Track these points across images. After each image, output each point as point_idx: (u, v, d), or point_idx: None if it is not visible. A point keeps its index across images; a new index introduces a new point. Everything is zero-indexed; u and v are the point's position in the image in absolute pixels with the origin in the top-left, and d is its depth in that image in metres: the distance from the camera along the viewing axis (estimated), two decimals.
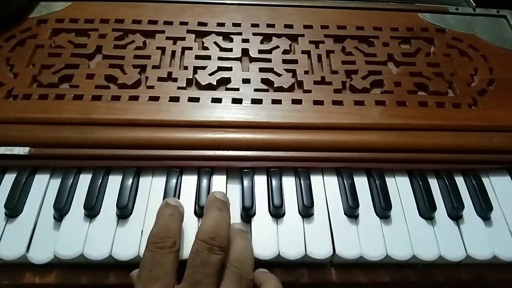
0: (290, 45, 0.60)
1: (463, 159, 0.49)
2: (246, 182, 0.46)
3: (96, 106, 0.51)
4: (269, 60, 0.58)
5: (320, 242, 0.43)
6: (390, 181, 0.48)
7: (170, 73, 0.55)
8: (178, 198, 0.45)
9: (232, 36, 0.61)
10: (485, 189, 0.48)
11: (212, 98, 0.52)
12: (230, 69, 0.56)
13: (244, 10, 0.65)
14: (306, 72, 0.56)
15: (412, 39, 0.62)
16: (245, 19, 0.63)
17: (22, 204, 0.44)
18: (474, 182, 0.48)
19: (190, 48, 0.59)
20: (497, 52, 0.61)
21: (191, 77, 0.55)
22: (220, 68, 0.56)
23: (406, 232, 0.44)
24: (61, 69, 0.55)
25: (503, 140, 0.50)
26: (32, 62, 0.56)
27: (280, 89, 0.55)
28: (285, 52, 0.59)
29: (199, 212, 0.44)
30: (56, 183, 0.46)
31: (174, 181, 0.46)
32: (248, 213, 0.45)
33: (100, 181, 0.46)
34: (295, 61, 0.58)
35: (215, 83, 0.54)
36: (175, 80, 0.55)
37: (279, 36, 0.61)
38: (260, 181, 0.47)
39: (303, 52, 0.59)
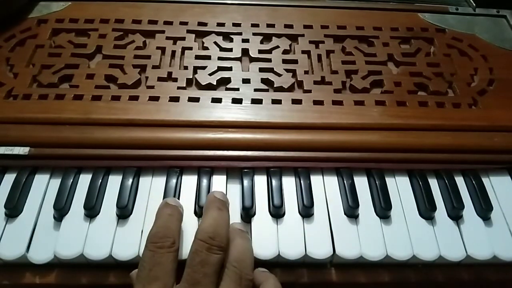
0: (290, 45, 0.60)
1: (463, 159, 0.49)
2: (246, 182, 0.46)
3: (96, 106, 0.51)
4: (269, 60, 0.58)
5: (320, 242, 0.43)
6: (390, 181, 0.48)
7: (170, 73, 0.55)
8: (178, 198, 0.45)
9: (232, 36, 0.61)
10: (485, 189, 0.48)
11: (212, 98, 0.52)
12: (230, 69, 0.56)
13: (244, 10, 0.65)
14: (306, 72, 0.56)
15: (412, 39, 0.62)
16: (245, 19, 0.63)
17: (22, 204, 0.45)
18: (474, 182, 0.48)
19: (190, 48, 0.59)
20: (497, 52, 0.61)
21: (191, 77, 0.55)
22: (220, 68, 0.56)
23: (406, 232, 0.44)
24: (61, 69, 0.55)
25: (503, 140, 0.50)
26: (32, 62, 0.56)
27: (280, 89, 0.55)
28: (285, 52, 0.59)
29: (199, 212, 0.44)
30: (56, 183, 0.46)
31: (174, 181, 0.46)
32: (248, 213, 0.45)
33: (100, 181, 0.46)
34: (295, 61, 0.58)
35: (215, 83, 0.54)
36: (175, 80, 0.55)
37: (279, 36, 0.61)
38: (260, 181, 0.47)
39: (303, 52, 0.59)
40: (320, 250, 0.43)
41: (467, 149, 0.50)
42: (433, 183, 0.48)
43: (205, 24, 0.62)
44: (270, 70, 0.56)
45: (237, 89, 0.54)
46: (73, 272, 0.42)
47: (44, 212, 0.44)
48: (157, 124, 0.49)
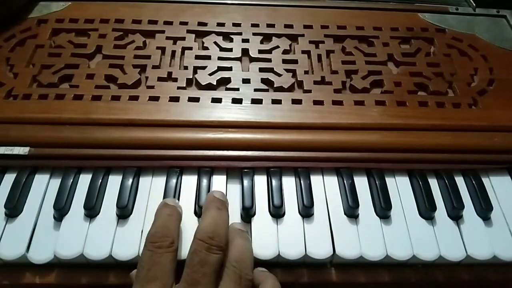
0: (290, 45, 0.60)
1: (463, 159, 0.49)
2: (246, 182, 0.46)
3: (96, 106, 0.51)
4: (269, 60, 0.58)
5: (320, 242, 0.43)
6: (390, 181, 0.48)
7: (170, 73, 0.55)
8: (178, 198, 0.46)
9: (232, 36, 0.61)
10: (485, 189, 0.48)
11: (212, 98, 0.52)
12: (230, 69, 0.56)
13: (244, 10, 0.65)
14: (306, 72, 0.56)
15: (412, 39, 0.62)
16: (245, 19, 0.63)
17: (22, 204, 0.44)
18: (474, 182, 0.48)
19: (190, 48, 0.59)
20: (497, 52, 0.61)
21: (191, 77, 0.55)
22: (220, 68, 0.56)
23: (406, 232, 0.44)
24: (61, 69, 0.55)
25: (503, 140, 0.50)
26: (32, 62, 0.56)
27: (280, 89, 0.55)
28: (285, 52, 0.59)
29: (199, 212, 0.44)
30: (56, 183, 0.46)
31: (174, 181, 0.46)
32: (248, 213, 0.45)
33: (100, 181, 0.46)
34: (295, 61, 0.58)
35: (215, 83, 0.54)
36: (175, 80, 0.55)
37: (279, 36, 0.61)
38: (260, 181, 0.47)
39: (303, 52, 0.59)
40: (320, 250, 0.43)
41: (467, 149, 0.50)
42: (433, 183, 0.48)
43: (205, 24, 0.62)
44: (270, 70, 0.56)
45: (237, 89, 0.54)
46: (73, 272, 0.42)
47: (44, 212, 0.44)
48: (157, 124, 0.49)
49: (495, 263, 0.44)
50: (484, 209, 0.46)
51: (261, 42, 0.60)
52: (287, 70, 0.56)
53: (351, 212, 0.45)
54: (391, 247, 0.43)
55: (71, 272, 0.42)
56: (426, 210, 0.45)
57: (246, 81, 0.55)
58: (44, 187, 0.46)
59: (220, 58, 0.57)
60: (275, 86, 0.55)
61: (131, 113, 0.50)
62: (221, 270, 0.38)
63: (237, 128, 0.50)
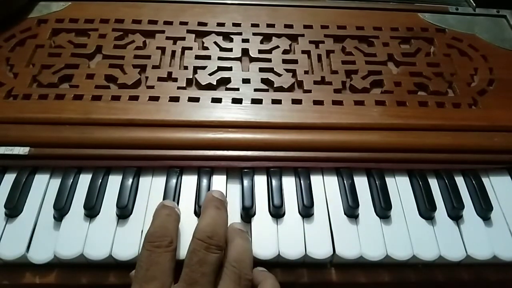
0: (290, 45, 0.60)
1: (463, 159, 0.49)
2: (246, 182, 0.46)
3: (96, 106, 0.51)
4: (269, 60, 0.58)
5: (320, 242, 0.43)
6: (390, 181, 0.48)
7: (170, 73, 0.55)
8: (178, 198, 0.46)
9: (232, 36, 0.61)
10: (485, 189, 0.48)
11: (212, 98, 0.52)
12: (230, 69, 0.56)
13: (244, 10, 0.65)
14: (306, 72, 0.56)
15: (412, 39, 0.62)
16: (245, 19, 0.63)
17: (22, 204, 0.44)
18: (474, 182, 0.48)
19: (190, 48, 0.59)
20: (497, 52, 0.61)
21: (191, 77, 0.55)
22: (220, 68, 0.56)
23: (406, 232, 0.44)
24: (61, 69, 0.55)
25: (503, 140, 0.50)
26: (32, 62, 0.56)
27: (280, 89, 0.55)
28: (285, 52, 0.59)
29: (199, 212, 0.44)
30: (56, 183, 0.46)
31: (174, 181, 0.46)
32: (248, 213, 0.45)
33: (100, 181, 0.46)
34: (295, 61, 0.58)
35: (215, 83, 0.54)
36: (175, 80, 0.55)
37: (279, 36, 0.61)
38: (260, 181, 0.47)
39: (303, 52, 0.59)
40: (320, 250, 0.43)
41: (467, 149, 0.50)
42: (433, 183, 0.48)
43: (205, 24, 0.62)
44: (270, 70, 0.56)
45: (237, 89, 0.54)
46: (73, 272, 0.42)
47: (44, 212, 0.44)
48: (157, 124, 0.49)
49: (495, 263, 0.44)
50: (484, 209, 0.46)
51: (261, 42, 0.60)
52: (287, 70, 0.56)
53: (351, 212, 0.45)
54: (391, 247, 0.43)
55: (71, 272, 0.42)
56: (426, 210, 0.45)
57: (246, 81, 0.55)
58: (44, 187, 0.46)
59: (220, 58, 0.57)
60: (275, 86, 0.55)
61: (131, 113, 0.50)
62: (220, 270, 0.38)
63: (237, 128, 0.50)
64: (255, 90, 0.54)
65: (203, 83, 0.54)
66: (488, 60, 0.60)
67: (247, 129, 0.50)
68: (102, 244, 0.42)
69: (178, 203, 0.45)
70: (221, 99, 0.52)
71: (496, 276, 0.44)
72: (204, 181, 0.46)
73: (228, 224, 0.42)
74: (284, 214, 0.45)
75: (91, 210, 0.44)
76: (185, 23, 0.62)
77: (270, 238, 0.43)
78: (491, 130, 0.51)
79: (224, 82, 0.55)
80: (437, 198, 0.47)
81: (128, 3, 0.64)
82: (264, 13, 0.64)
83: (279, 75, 0.56)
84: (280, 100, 0.53)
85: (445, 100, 0.54)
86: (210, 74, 0.55)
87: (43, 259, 0.41)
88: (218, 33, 0.61)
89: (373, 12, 0.66)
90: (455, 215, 0.46)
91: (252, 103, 0.52)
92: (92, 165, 0.47)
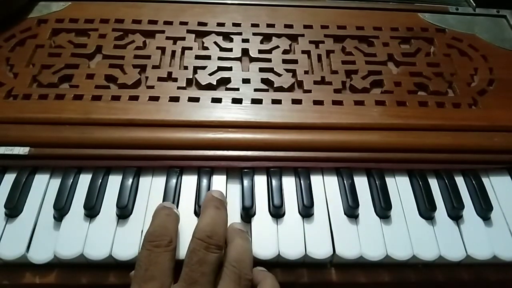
0: (290, 45, 0.60)
1: (463, 159, 0.49)
2: (246, 182, 0.46)
3: (96, 106, 0.51)
4: (269, 60, 0.58)
5: (320, 242, 0.43)
6: (390, 181, 0.48)
7: (170, 73, 0.55)
8: (178, 198, 0.46)
9: (232, 36, 0.61)
10: (485, 189, 0.48)
11: (212, 98, 0.52)
12: (230, 69, 0.56)
13: (244, 10, 0.65)
14: (306, 72, 0.56)
15: (412, 39, 0.62)
16: (245, 19, 0.63)
17: (22, 204, 0.44)
18: (474, 182, 0.48)
19: (190, 48, 0.59)
20: (497, 52, 0.61)
21: (191, 77, 0.55)
22: (220, 68, 0.56)
23: (406, 232, 0.44)
24: (61, 69, 0.55)
25: (503, 140, 0.50)
26: (32, 62, 0.56)
27: (280, 89, 0.55)
28: (285, 52, 0.59)
29: (199, 212, 0.44)
30: (56, 183, 0.46)
31: (174, 181, 0.46)
32: (248, 213, 0.45)
33: (100, 181, 0.46)
34: (295, 61, 0.58)
35: (215, 83, 0.54)
36: (175, 80, 0.55)
37: (279, 36, 0.61)
38: (260, 181, 0.47)
39: (303, 52, 0.59)
40: (320, 250, 0.43)
41: (467, 149, 0.50)
42: (433, 183, 0.48)
43: (205, 24, 0.62)
44: (270, 70, 0.56)
45: (237, 89, 0.54)
46: (73, 272, 0.42)
47: (44, 212, 0.44)
48: (157, 124, 0.49)
49: (495, 263, 0.44)
50: (484, 209, 0.46)
51: (261, 42, 0.60)
52: (287, 70, 0.56)
53: (351, 212, 0.45)
54: (391, 247, 0.43)
55: (71, 272, 0.42)
56: (426, 210, 0.45)
57: (246, 81, 0.55)
58: (44, 187, 0.46)
59: (220, 58, 0.57)
60: (275, 86, 0.55)
61: (131, 113, 0.50)
62: (219, 270, 0.38)
63: (237, 128, 0.50)
64: (255, 90, 0.54)
65: (203, 83, 0.54)
66: (488, 60, 0.60)
67: (247, 129, 0.50)
68: (102, 244, 0.42)
69: (178, 203, 0.45)
70: (221, 99, 0.52)
71: (496, 276, 0.44)
72: (204, 181, 0.46)
73: (228, 224, 0.42)
74: (284, 214, 0.45)
75: (91, 210, 0.44)
76: (185, 23, 0.62)
77: (270, 238, 0.43)
78: (491, 130, 0.51)
79: (224, 82, 0.55)
80: (437, 198, 0.47)
81: (128, 3, 0.64)
82: (264, 13, 0.64)
83: (279, 75, 0.56)
84: (280, 100, 0.53)
85: (445, 100, 0.54)
86: (210, 74, 0.55)
87: (43, 259, 0.41)
88: (218, 33, 0.61)
89: (373, 12, 0.66)
90: (455, 215, 0.46)
91: (252, 103, 0.52)
92: (92, 165, 0.47)
